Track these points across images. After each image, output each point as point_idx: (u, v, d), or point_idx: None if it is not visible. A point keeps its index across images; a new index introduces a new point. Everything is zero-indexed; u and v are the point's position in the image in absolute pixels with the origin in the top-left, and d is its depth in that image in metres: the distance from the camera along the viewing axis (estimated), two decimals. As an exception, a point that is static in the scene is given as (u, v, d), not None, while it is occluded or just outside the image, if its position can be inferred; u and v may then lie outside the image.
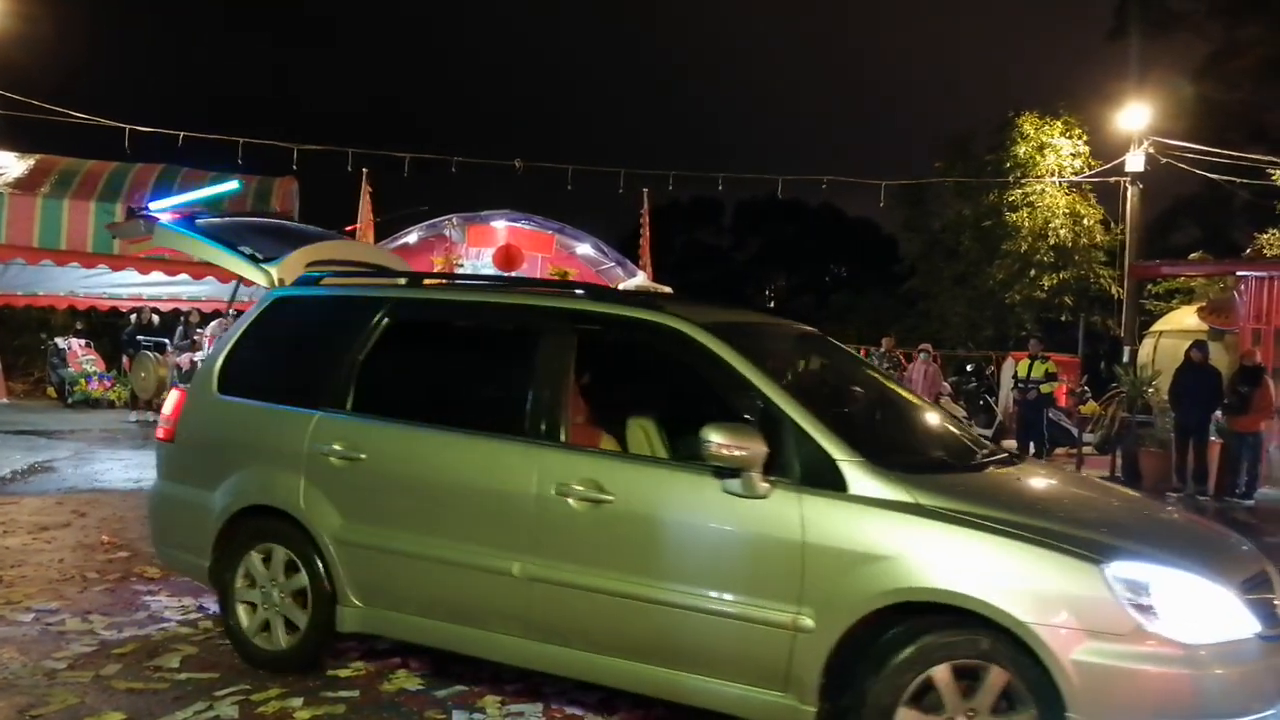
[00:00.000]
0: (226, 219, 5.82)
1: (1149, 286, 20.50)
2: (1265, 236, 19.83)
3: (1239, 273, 14.70)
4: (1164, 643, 3.11)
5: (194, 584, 5.97)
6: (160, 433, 5.06)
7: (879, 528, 3.41)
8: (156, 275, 12.87)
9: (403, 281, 4.98)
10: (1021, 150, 22.76)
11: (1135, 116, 18.39)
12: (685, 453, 3.97)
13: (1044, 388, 14.15)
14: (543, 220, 18.60)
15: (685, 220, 45.50)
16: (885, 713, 3.32)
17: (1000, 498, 3.72)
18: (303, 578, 4.43)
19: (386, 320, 4.56)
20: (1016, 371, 14.86)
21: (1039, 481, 4.20)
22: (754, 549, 3.57)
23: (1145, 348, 17.28)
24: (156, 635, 5.06)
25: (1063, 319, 23.21)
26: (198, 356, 13.63)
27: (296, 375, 4.78)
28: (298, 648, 4.48)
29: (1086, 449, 14.76)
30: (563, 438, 4.01)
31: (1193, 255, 20.64)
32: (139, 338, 16.30)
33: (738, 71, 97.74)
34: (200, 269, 12.38)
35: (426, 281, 5.07)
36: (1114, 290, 21.48)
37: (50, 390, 18.06)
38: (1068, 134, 22.73)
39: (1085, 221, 22.69)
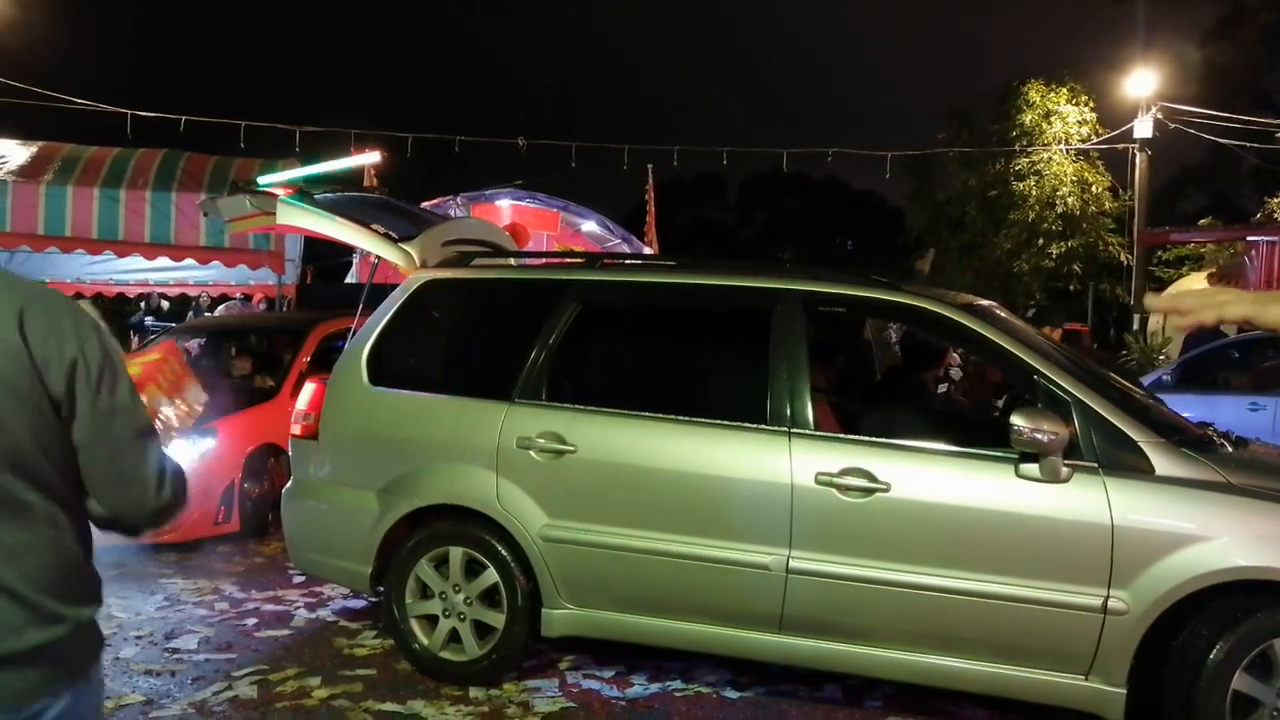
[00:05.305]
0: (339, 195, 5.48)
1: (1158, 253, 20.42)
2: (1275, 201, 19.69)
3: (1249, 238, 14.61)
4: None
5: (210, 566, 6.01)
6: (298, 429, 4.65)
7: (1195, 508, 3.40)
8: (162, 261, 12.80)
9: (580, 262, 4.75)
10: (1027, 118, 22.52)
11: (1142, 82, 18.27)
12: (934, 437, 3.87)
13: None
14: (547, 198, 18.51)
15: (690, 197, 45.32)
16: (1222, 683, 3.33)
17: None
18: (488, 578, 4.15)
19: (582, 305, 4.28)
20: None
21: None
22: (1056, 534, 3.49)
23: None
24: (173, 617, 5.08)
25: (1071, 288, 23.07)
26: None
27: (469, 364, 4.51)
28: (495, 651, 4.15)
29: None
30: (811, 425, 3.84)
31: (1202, 221, 20.54)
32: (147, 321, 16.35)
33: (739, 47, 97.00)
34: (207, 253, 12.33)
35: (606, 262, 4.76)
36: (1123, 258, 21.33)
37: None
38: (1074, 101, 22.50)
39: (1093, 189, 22.45)
